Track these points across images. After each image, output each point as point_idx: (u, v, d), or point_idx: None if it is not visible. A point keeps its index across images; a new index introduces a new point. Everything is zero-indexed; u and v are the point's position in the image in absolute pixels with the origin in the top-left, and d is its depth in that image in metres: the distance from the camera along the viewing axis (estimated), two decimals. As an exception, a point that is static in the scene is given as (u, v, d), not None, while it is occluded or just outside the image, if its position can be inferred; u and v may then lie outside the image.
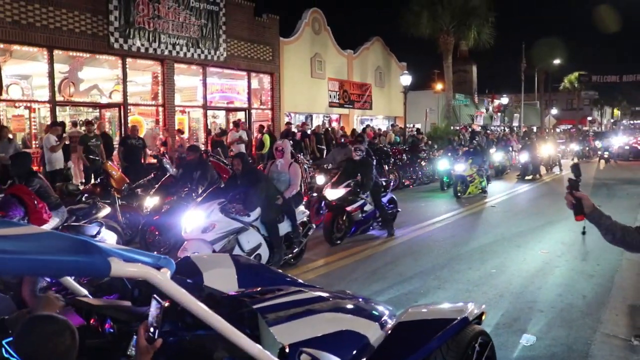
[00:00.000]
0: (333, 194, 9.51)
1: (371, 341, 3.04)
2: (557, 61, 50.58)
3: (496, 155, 21.77)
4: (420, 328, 3.20)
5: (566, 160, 29.24)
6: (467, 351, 3.18)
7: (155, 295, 2.30)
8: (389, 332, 3.18)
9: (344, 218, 9.45)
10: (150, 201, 9.23)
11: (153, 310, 2.31)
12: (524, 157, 20.95)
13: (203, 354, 2.61)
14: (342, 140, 14.83)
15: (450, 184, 16.21)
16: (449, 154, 17.48)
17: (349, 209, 9.48)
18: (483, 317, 3.52)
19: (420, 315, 3.44)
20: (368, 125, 23.92)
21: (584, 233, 3.34)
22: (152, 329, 2.28)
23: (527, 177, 20.40)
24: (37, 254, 1.88)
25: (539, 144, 22.81)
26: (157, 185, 9.63)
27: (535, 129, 49.80)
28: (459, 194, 15.04)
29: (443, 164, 17.30)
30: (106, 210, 7.92)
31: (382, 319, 3.32)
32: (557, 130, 51.00)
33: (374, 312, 3.41)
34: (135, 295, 3.17)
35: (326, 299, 3.29)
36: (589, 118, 70.55)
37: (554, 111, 59.24)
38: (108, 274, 1.94)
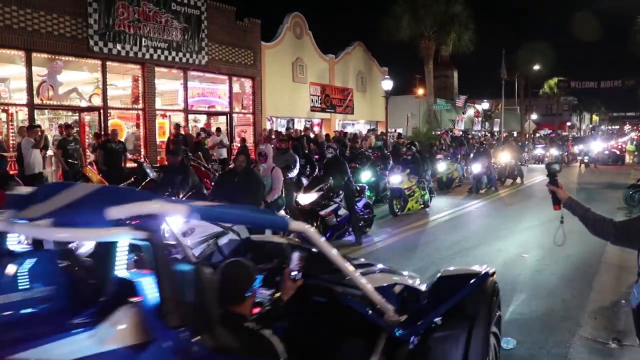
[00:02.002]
0: (305, 198, 9.47)
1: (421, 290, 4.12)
2: (536, 67, 51.14)
3: (440, 166, 18.40)
4: (459, 279, 4.20)
5: (541, 165, 29.64)
6: (492, 294, 4.19)
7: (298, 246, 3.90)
8: (434, 282, 4.19)
9: (318, 223, 9.39)
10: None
11: (295, 257, 3.46)
12: (476, 168, 17.72)
13: (329, 290, 3.68)
14: (282, 145, 12.00)
15: (381, 198, 14.28)
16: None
17: (322, 213, 9.42)
18: (494, 275, 4.39)
19: (456, 272, 4.50)
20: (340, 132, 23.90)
21: (561, 222, 3.59)
22: (295, 272, 3.31)
23: (481, 191, 17.50)
24: (254, 214, 3.54)
25: (496, 151, 20.49)
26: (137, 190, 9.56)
27: (515, 133, 50.34)
28: (397, 211, 12.67)
29: (366, 176, 14.06)
30: None
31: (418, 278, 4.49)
32: (537, 135, 51.55)
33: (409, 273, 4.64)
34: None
35: (372, 264, 4.58)
36: (568, 123, 71.49)
37: (534, 116, 59.82)
38: (288, 228, 3.12)
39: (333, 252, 3.28)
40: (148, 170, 10.47)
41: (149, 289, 2.47)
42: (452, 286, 4.04)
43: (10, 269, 2.86)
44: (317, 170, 12.60)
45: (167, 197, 8.04)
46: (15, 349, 2.18)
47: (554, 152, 31.66)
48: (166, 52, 17.24)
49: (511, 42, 74.86)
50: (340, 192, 9.73)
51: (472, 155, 20.13)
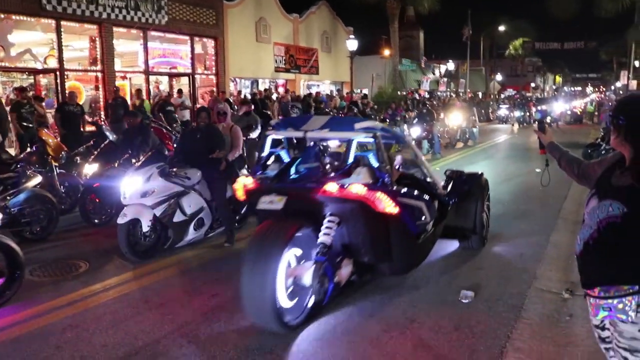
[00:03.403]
0: None
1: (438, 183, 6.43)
2: (501, 28, 51.33)
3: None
4: (467, 176, 6.97)
5: (507, 126, 29.88)
6: (485, 185, 7.12)
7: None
8: (449, 176, 6.90)
9: None
10: (90, 168, 8.94)
11: (399, 160, 6.16)
12: (415, 132, 16.30)
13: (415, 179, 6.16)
14: (243, 109, 11.92)
15: None
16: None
17: None
18: (483, 174, 7.16)
19: (462, 172, 7.08)
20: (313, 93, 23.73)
21: (547, 165, 3.99)
22: (398, 165, 5.70)
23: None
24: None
25: (441, 112, 19.33)
26: (96, 152, 9.32)
27: (480, 94, 50.70)
28: None
29: None
30: (37, 179, 7.61)
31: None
32: (502, 95, 52.01)
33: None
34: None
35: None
36: (532, 84, 72.26)
37: (499, 77, 60.30)
38: (405, 142, 6.55)
39: (418, 151, 6.60)
40: (107, 133, 10.19)
41: (372, 160, 5.52)
42: (464, 179, 6.85)
43: (305, 153, 5.57)
44: None
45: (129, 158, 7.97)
46: (324, 182, 4.87)
47: (517, 112, 31.95)
48: (124, 12, 16.68)
49: (477, 3, 74.55)
50: None
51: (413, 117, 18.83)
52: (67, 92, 14.62)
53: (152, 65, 18.71)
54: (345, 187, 4.74)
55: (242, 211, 7.86)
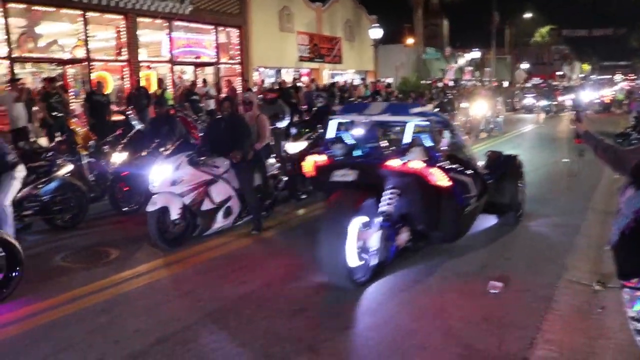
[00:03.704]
0: (294, 147, 9.39)
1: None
2: (528, 15, 50.52)
3: None
4: (504, 157, 7.65)
5: (533, 115, 29.31)
6: (520, 165, 7.74)
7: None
8: (489, 156, 7.59)
9: None
10: (118, 157, 9.04)
11: (445, 141, 6.53)
12: None
13: (459, 158, 6.51)
14: (268, 95, 12.20)
15: None
16: None
17: None
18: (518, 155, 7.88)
19: (500, 153, 7.75)
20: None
21: (581, 155, 4.24)
22: (444, 146, 6.31)
23: None
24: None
25: (464, 102, 18.78)
26: (124, 141, 9.42)
27: (505, 83, 50.02)
28: None
29: None
30: (68, 168, 7.75)
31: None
32: (528, 84, 51.25)
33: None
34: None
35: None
36: (559, 73, 71.07)
37: (525, 65, 59.43)
38: (451, 126, 6.97)
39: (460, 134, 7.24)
40: (134, 122, 10.29)
41: (426, 140, 5.92)
42: (503, 161, 7.53)
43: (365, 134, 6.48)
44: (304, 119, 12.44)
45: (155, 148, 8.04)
46: (387, 159, 5.62)
47: (544, 102, 31.39)
48: (149, 2, 16.78)
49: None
50: None
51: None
52: (94, 82, 14.80)
53: (176, 54, 18.82)
54: (405, 162, 5.48)
55: (269, 201, 7.91)
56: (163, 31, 18.19)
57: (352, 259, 5.17)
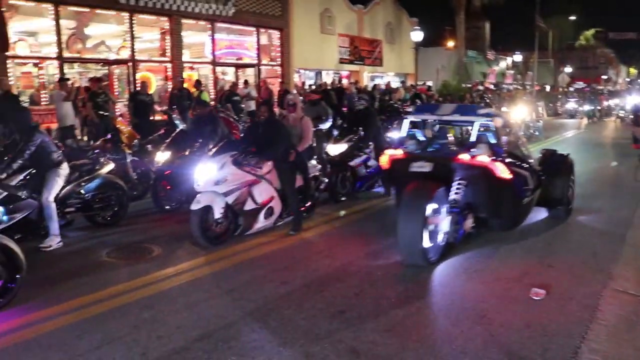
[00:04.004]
0: (335, 149, 9.41)
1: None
2: (572, 17, 49.43)
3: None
4: (558, 155, 8.30)
5: (575, 120, 28.62)
6: (572, 163, 8.24)
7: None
8: (543, 154, 8.31)
9: (348, 174, 9.36)
10: (162, 156, 9.21)
11: (504, 139, 6.88)
12: None
13: (517, 155, 7.24)
14: (310, 97, 12.32)
15: None
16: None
17: (352, 164, 9.36)
18: (569, 154, 8.39)
19: (554, 152, 8.45)
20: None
21: None
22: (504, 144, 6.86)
23: None
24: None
25: (503, 106, 18.09)
26: (168, 141, 9.59)
27: (548, 87, 49.06)
28: None
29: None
30: (110, 166, 7.88)
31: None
32: (571, 88, 50.16)
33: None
34: None
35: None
36: (604, 77, 69.29)
37: (568, 69, 58.15)
38: (511, 126, 8.04)
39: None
40: (177, 122, 10.48)
41: (491, 138, 6.68)
42: (556, 158, 8.19)
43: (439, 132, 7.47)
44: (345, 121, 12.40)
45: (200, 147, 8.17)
46: (455, 154, 6.45)
47: (587, 106, 30.60)
48: (193, 4, 17.08)
49: (547, -9, 72.11)
50: (371, 143, 9.65)
51: None
52: (138, 82, 15.13)
53: (218, 56, 19.08)
54: (473, 157, 6.20)
55: (310, 203, 7.96)
56: (206, 32, 18.48)
57: (426, 241, 5.86)
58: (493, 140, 6.72)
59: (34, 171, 6.67)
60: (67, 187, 7.07)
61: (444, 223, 6.15)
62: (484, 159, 6.20)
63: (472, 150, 6.32)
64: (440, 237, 6.14)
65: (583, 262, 6.18)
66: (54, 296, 5.21)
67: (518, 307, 4.90)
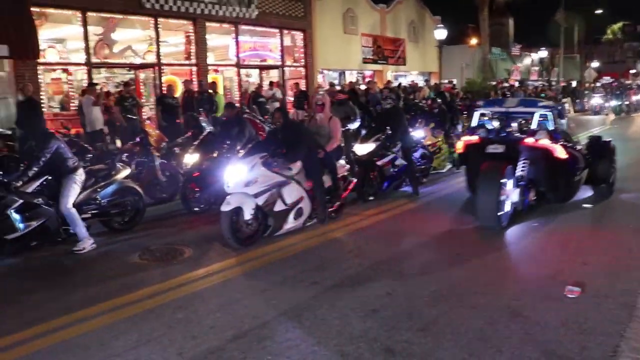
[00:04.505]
0: (362, 148, 9.39)
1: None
2: (598, 11, 48.61)
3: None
4: (603, 141, 9.21)
5: (601, 117, 27.94)
6: (614, 148, 9.16)
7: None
8: (590, 139, 9.41)
9: (375, 173, 9.35)
10: (190, 158, 9.29)
11: (541, 132, 7.85)
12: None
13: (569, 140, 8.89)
14: (338, 97, 12.08)
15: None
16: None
17: (379, 163, 9.34)
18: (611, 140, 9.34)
19: (599, 137, 9.35)
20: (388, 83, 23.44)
21: None
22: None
23: None
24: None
25: None
26: (196, 143, 9.68)
27: (574, 82, 48.32)
28: None
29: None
30: (126, 171, 7.85)
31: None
32: (598, 83, 49.32)
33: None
34: None
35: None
36: (632, 71, 67.92)
37: (595, 64, 57.18)
38: (565, 116, 11.21)
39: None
40: (204, 124, 10.57)
41: (549, 125, 8.34)
42: (601, 144, 9.17)
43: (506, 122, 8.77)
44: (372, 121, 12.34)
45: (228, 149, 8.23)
46: (522, 138, 7.87)
47: (614, 102, 29.75)
48: (217, 7, 17.19)
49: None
50: (398, 142, 9.62)
51: None
52: (164, 85, 15.28)
53: (242, 58, 19.18)
54: (536, 140, 7.58)
55: (338, 203, 7.97)
56: (230, 35, 18.59)
57: (499, 209, 7.05)
58: (551, 127, 8.23)
59: (50, 178, 6.73)
60: (84, 193, 7.06)
61: (513, 195, 7.36)
62: (545, 142, 7.57)
63: (535, 135, 7.65)
64: (509, 206, 7.31)
65: (618, 259, 6.09)
66: (90, 297, 5.30)
67: (553, 305, 4.83)
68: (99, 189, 7.36)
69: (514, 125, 8.73)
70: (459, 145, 8.57)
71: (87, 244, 6.80)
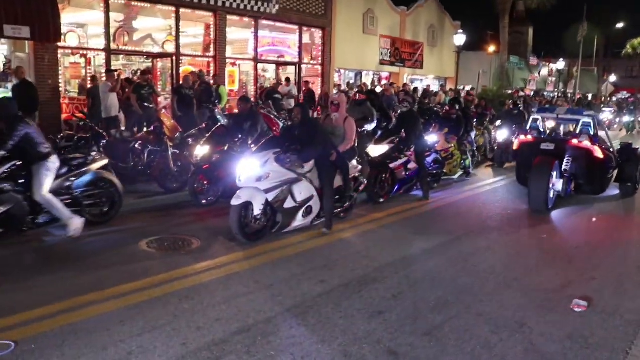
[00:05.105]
0: (376, 150, 9.37)
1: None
2: (620, 25, 48.17)
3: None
4: (633, 148, 10.86)
5: (613, 132, 27.63)
6: None
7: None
8: (622, 145, 11.28)
9: (387, 176, 9.34)
10: (200, 150, 9.32)
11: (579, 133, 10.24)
12: (502, 135, 14.44)
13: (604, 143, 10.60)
14: (357, 96, 12.25)
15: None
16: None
17: (392, 166, 9.34)
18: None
19: (629, 144, 11.12)
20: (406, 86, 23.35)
21: None
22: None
23: (507, 165, 13.99)
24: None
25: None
26: (207, 135, 9.70)
27: (590, 96, 47.94)
28: None
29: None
30: (102, 162, 7.58)
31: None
32: (613, 98, 48.88)
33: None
34: None
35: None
36: (649, 87, 67.25)
37: (613, 78, 56.64)
38: (601, 124, 12.60)
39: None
40: (219, 117, 10.59)
41: (590, 130, 10.59)
42: (630, 149, 10.68)
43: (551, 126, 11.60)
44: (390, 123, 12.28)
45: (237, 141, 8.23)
46: (569, 140, 9.90)
47: (626, 117, 29.14)
48: (238, 0, 17.21)
49: (594, -2, 70.43)
50: (412, 146, 9.60)
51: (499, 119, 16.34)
52: (182, 76, 15.31)
53: (260, 53, 19.18)
54: (580, 141, 9.39)
55: (348, 204, 7.96)
56: (249, 29, 18.59)
57: (548, 195, 8.74)
58: (592, 132, 10.26)
59: (19, 163, 6.52)
60: (56, 182, 6.79)
61: (559, 184, 8.96)
62: (587, 143, 9.38)
63: (578, 137, 9.57)
64: (552, 194, 8.91)
65: (627, 275, 6.06)
66: (97, 283, 5.34)
67: (558, 318, 4.82)
68: (72, 178, 7.07)
69: (562, 128, 11.09)
70: (515, 143, 10.42)
71: (76, 223, 6.67)
